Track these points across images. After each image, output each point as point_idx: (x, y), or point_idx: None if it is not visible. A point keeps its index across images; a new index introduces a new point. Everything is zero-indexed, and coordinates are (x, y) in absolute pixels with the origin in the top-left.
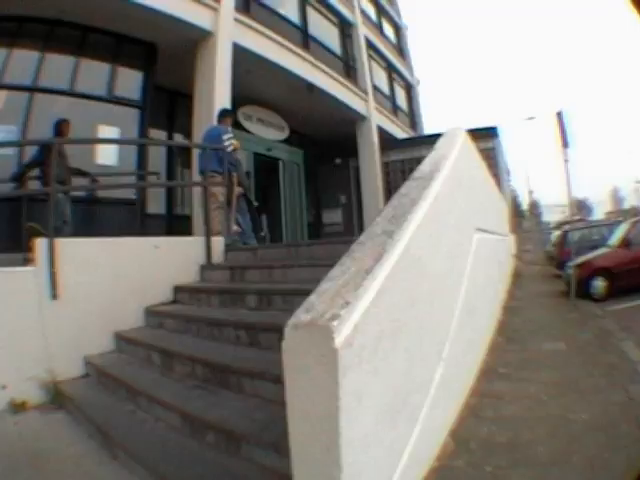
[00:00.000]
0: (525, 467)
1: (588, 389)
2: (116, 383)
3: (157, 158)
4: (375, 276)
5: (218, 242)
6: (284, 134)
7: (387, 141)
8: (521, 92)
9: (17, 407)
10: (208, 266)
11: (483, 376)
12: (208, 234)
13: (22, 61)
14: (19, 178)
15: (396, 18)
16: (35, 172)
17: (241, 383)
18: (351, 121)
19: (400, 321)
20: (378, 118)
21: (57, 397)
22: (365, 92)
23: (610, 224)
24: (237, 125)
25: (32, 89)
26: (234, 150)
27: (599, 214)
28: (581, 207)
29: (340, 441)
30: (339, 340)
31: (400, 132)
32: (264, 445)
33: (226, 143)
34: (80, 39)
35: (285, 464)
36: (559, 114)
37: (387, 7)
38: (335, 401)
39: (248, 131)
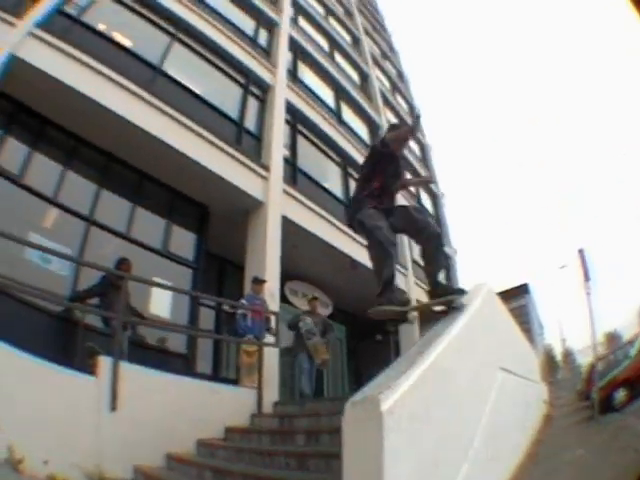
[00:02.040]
0: None
1: None
2: None
3: (206, 324)
4: (408, 376)
5: (269, 396)
6: (328, 310)
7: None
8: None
9: None
10: (258, 415)
11: None
12: (260, 387)
13: (78, 186)
14: (77, 301)
15: (433, 186)
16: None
17: None
18: None
19: (428, 411)
20: (418, 292)
21: None
22: (404, 266)
23: (633, 341)
24: (284, 299)
25: (89, 220)
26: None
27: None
28: (612, 339)
29: None
30: (384, 407)
31: None
32: None
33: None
34: (136, 183)
35: None
36: (581, 251)
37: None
38: (381, 452)
39: (294, 306)
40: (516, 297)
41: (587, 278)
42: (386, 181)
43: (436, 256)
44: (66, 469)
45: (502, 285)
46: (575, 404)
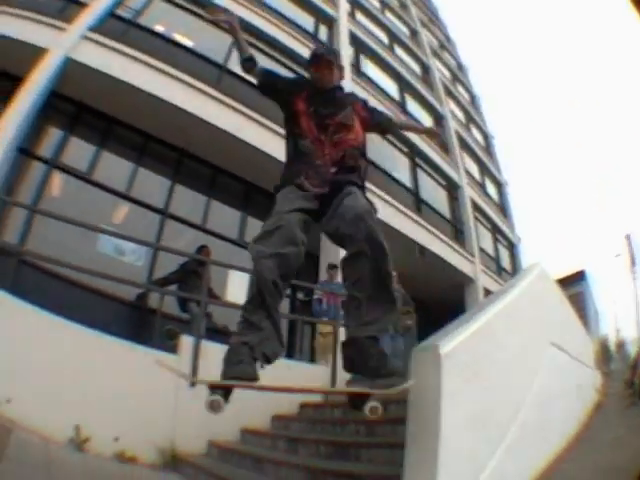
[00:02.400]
0: None
1: None
2: (240, 455)
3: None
4: (462, 331)
5: (342, 374)
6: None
7: None
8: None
9: (125, 459)
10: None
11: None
12: (334, 366)
13: (152, 181)
14: (160, 286)
15: (497, 174)
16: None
17: (358, 454)
18: (458, 285)
19: (480, 366)
20: (484, 280)
21: (172, 461)
22: (472, 254)
23: None
24: None
25: (164, 213)
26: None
27: None
28: None
29: (440, 421)
30: (443, 352)
31: None
32: None
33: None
34: (210, 178)
35: None
36: (628, 237)
37: (489, 164)
38: (440, 391)
39: None
40: (573, 284)
41: (634, 263)
42: (318, 128)
43: (374, 287)
44: (138, 446)
45: (558, 272)
46: (622, 392)
